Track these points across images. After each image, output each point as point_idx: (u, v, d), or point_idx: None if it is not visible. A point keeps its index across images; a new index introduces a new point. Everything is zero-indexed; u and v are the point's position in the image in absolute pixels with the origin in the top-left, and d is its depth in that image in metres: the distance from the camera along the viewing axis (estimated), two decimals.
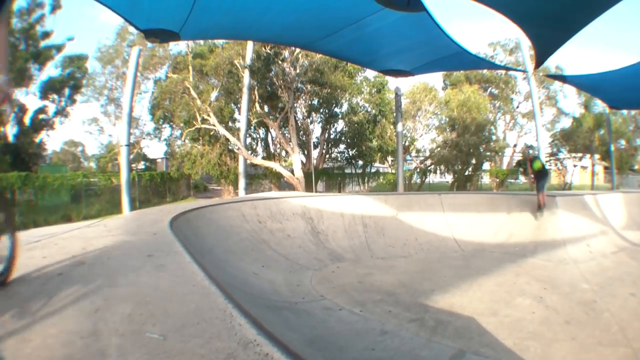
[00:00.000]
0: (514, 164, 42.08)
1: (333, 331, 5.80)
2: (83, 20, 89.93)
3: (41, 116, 34.02)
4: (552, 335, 5.83)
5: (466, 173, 33.92)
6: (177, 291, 3.79)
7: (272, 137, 33.25)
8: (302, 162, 29.54)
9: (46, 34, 32.56)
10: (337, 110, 32.69)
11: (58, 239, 6.07)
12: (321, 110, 32.45)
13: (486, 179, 37.51)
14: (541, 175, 12.95)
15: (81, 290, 3.79)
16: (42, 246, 5.55)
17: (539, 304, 7.17)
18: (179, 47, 31.94)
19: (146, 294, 3.71)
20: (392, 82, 31.10)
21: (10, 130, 31.56)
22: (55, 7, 32.14)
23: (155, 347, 2.68)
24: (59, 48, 33.64)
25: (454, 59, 13.69)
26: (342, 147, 35.06)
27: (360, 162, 34.97)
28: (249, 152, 27.77)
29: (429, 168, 35.88)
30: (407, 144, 33.06)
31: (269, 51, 24.68)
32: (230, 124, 28.96)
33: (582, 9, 9.63)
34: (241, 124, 23.21)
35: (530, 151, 14.92)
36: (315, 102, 31.43)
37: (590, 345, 5.54)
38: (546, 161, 30.52)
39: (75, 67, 35.11)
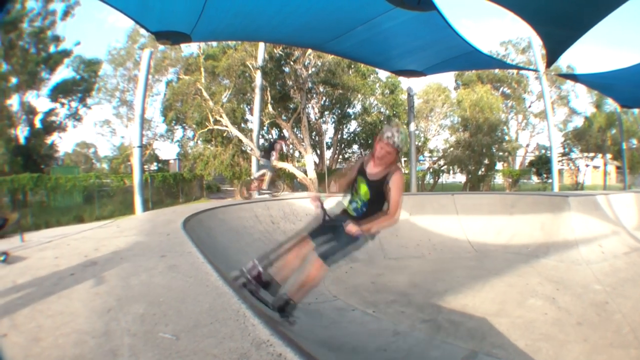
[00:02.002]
0: (526, 164, 41.91)
1: (346, 332, 5.78)
2: (91, 23, 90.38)
3: (52, 118, 34.32)
4: (564, 336, 5.78)
5: (479, 173, 33.75)
6: (190, 291, 3.79)
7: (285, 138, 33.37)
8: (315, 162, 29.57)
9: (57, 39, 32.86)
10: (349, 110, 32.70)
11: (70, 239, 6.10)
12: (334, 111, 32.42)
13: (499, 179, 37.35)
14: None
15: (93, 290, 3.80)
16: (54, 246, 5.58)
17: (551, 305, 7.11)
18: (190, 48, 32.09)
19: (159, 294, 3.71)
20: (405, 82, 31.12)
21: (22, 133, 31.86)
22: (67, 12, 32.44)
23: (168, 347, 2.68)
24: (67, 53, 33.92)
25: (466, 59, 13.61)
26: (355, 147, 35.01)
27: None
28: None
29: (442, 168, 35.78)
30: (419, 144, 32.98)
31: (280, 52, 24.72)
32: (242, 124, 29.01)
33: (593, 7, 9.54)
34: (254, 125, 23.21)
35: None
36: (327, 102, 31.42)
37: (602, 346, 5.48)
38: (558, 161, 30.29)
39: (91, 72, 35.38)
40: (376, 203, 4.89)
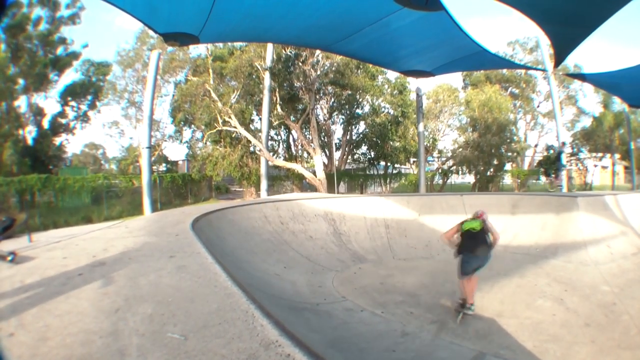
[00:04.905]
0: (535, 165, 41.72)
1: (354, 332, 5.76)
2: (99, 25, 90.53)
3: (60, 120, 34.44)
4: (572, 338, 5.75)
5: (488, 174, 33.59)
6: (198, 292, 3.78)
7: (293, 139, 33.31)
8: (324, 163, 29.48)
9: (64, 41, 32.98)
10: (358, 111, 32.60)
11: (79, 239, 6.11)
12: (343, 112, 32.33)
13: (507, 180, 37.19)
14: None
15: (101, 290, 3.80)
16: (62, 247, 5.58)
17: (559, 306, 7.08)
18: (198, 50, 32.11)
19: (168, 294, 3.70)
20: (413, 82, 31.04)
21: (30, 134, 32.00)
22: (73, 17, 32.61)
23: (176, 347, 2.67)
24: (75, 55, 34.05)
25: (474, 59, 13.57)
26: (364, 148, 34.88)
27: (382, 163, 34.81)
28: (271, 153, 27.85)
29: (451, 169, 35.65)
30: (428, 144, 32.89)
31: (289, 53, 24.72)
32: (251, 125, 29.03)
33: (601, 4, 9.48)
34: (262, 126, 23.29)
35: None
36: (336, 103, 31.36)
37: (609, 348, 5.46)
38: (567, 161, 30.13)
39: (101, 75, 35.55)
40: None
